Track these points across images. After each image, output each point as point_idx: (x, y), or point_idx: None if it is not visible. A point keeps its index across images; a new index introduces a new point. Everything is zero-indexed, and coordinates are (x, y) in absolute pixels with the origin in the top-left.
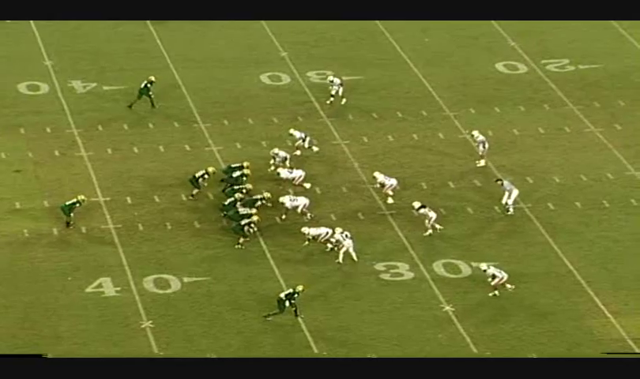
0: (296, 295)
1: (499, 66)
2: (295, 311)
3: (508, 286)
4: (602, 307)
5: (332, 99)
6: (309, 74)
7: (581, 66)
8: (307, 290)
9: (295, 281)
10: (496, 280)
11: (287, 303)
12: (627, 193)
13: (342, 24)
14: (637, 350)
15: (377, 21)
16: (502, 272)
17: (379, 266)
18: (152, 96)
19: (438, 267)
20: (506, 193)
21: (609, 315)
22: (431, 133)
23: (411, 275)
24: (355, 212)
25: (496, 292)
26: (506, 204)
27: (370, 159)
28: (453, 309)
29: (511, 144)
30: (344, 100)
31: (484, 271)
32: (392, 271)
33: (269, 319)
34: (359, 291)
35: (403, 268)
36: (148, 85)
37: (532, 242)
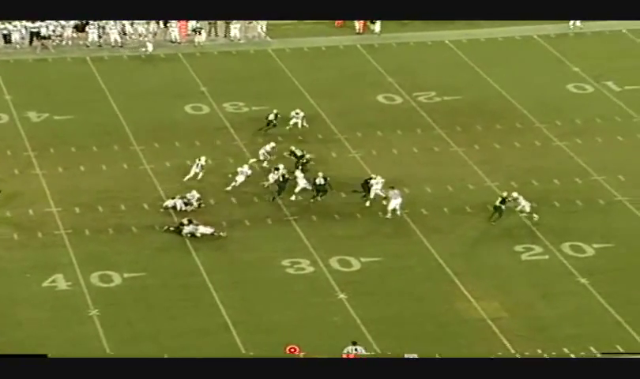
0: None
1: (380, 98)
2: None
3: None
4: (466, 293)
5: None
6: (225, 105)
7: (445, 97)
8: (226, 280)
9: (219, 272)
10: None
11: None
12: (485, 200)
13: (250, 64)
14: (496, 329)
15: (278, 61)
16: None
17: (285, 262)
18: None
19: (334, 262)
20: (392, 201)
21: (472, 299)
22: (326, 152)
23: (311, 269)
24: (265, 217)
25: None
26: (394, 210)
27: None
28: (346, 297)
29: (392, 162)
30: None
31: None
32: (296, 266)
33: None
34: (269, 283)
35: (305, 263)
36: None
37: (410, 241)
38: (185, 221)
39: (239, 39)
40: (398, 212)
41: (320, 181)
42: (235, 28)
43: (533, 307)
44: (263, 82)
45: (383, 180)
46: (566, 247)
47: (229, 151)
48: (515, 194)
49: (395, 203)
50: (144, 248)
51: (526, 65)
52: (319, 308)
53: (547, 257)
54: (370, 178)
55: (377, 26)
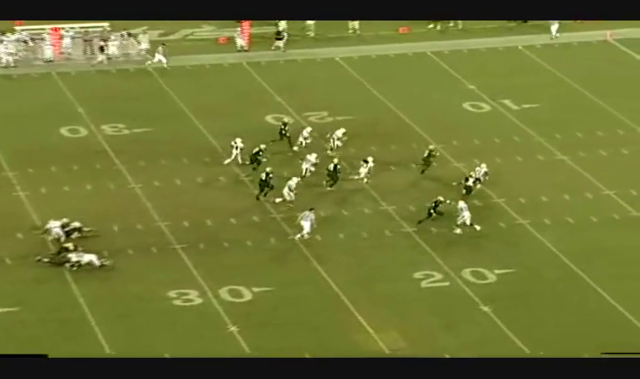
0: None
1: (269, 118)
2: None
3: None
4: (364, 323)
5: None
6: (103, 127)
7: (338, 117)
8: (108, 313)
9: (102, 304)
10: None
11: None
12: (382, 225)
13: (131, 82)
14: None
15: (159, 79)
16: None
17: (172, 293)
18: None
19: (224, 293)
20: (304, 223)
21: (370, 329)
22: (214, 176)
23: (200, 300)
24: (149, 245)
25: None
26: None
27: (161, 200)
28: (237, 329)
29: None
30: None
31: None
32: (183, 297)
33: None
34: (155, 316)
35: (193, 294)
36: None
37: (304, 268)
38: (70, 246)
39: (118, 57)
40: (305, 236)
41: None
42: (114, 44)
43: (434, 336)
44: (144, 102)
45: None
46: (467, 273)
47: (110, 175)
48: (462, 204)
49: (307, 225)
50: (18, 280)
51: (420, 83)
52: (209, 342)
53: (447, 283)
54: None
55: (281, 42)
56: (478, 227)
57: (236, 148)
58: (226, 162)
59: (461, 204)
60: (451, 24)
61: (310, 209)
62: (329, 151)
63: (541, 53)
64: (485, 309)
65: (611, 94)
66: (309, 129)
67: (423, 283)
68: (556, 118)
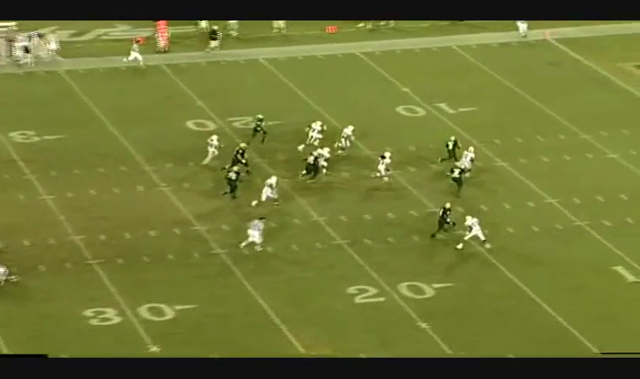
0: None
1: (190, 124)
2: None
3: (487, 245)
4: (294, 341)
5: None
6: (12, 134)
7: (263, 123)
8: (19, 335)
9: (11, 325)
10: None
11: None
12: (312, 237)
13: (41, 86)
14: None
15: (72, 83)
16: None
17: (88, 312)
18: None
19: (144, 311)
20: (251, 232)
21: (301, 348)
22: (132, 185)
23: (118, 319)
24: (62, 261)
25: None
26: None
27: (75, 212)
28: (159, 349)
29: (206, 197)
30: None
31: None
32: (100, 316)
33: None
34: (70, 337)
35: (111, 312)
36: None
37: (230, 283)
38: None
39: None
40: (257, 247)
41: (233, 175)
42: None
43: (369, 355)
44: (55, 107)
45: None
46: (403, 288)
47: (19, 186)
48: (474, 220)
49: (256, 235)
50: None
51: (350, 86)
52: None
53: (383, 299)
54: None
55: (217, 42)
56: (489, 245)
57: (212, 146)
58: (204, 162)
59: (470, 220)
60: (382, 23)
61: (261, 218)
62: (339, 152)
63: (477, 53)
64: (423, 325)
65: (552, 96)
66: (319, 123)
67: (357, 299)
68: (495, 123)
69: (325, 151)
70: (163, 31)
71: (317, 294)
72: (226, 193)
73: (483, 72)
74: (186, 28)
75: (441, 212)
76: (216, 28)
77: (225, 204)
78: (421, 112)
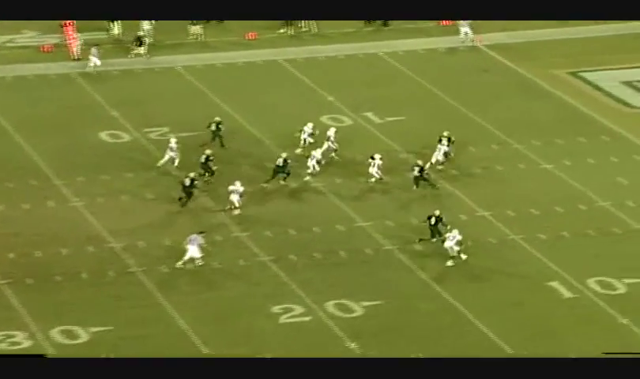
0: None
1: (104, 135)
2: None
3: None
4: None
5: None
6: None
7: (182, 134)
8: None
9: None
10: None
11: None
12: (235, 254)
13: None
14: None
15: None
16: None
17: None
18: None
19: (56, 334)
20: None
21: None
22: (42, 200)
23: (29, 343)
24: None
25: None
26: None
27: None
28: None
29: (122, 212)
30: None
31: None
32: (8, 340)
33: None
34: None
35: (20, 336)
36: None
37: (148, 304)
38: None
39: None
40: (198, 262)
41: (187, 181)
42: None
43: None
44: None
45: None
46: (330, 306)
47: None
48: (455, 234)
49: (194, 250)
50: None
51: (272, 94)
52: None
53: (309, 318)
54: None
55: (142, 49)
56: (464, 256)
57: (171, 149)
58: (159, 163)
59: (454, 233)
60: (304, 29)
61: (200, 232)
62: (332, 154)
63: (404, 60)
64: (352, 345)
65: (482, 104)
66: (310, 124)
67: (282, 318)
68: (424, 132)
69: (318, 153)
70: (72, 39)
71: (240, 313)
72: (181, 198)
73: (411, 79)
74: (97, 35)
75: (434, 221)
76: (141, 33)
77: (142, 220)
78: (347, 121)
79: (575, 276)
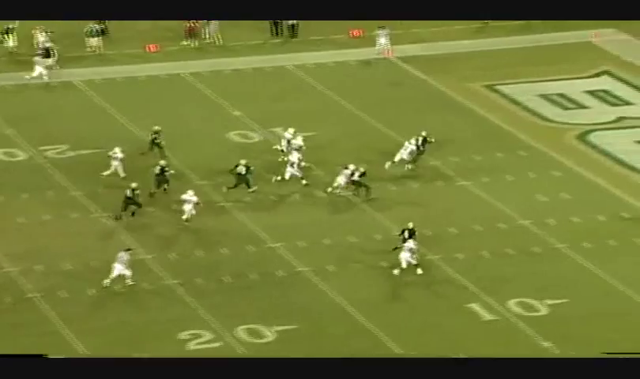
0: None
1: None
2: None
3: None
4: None
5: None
6: None
7: (82, 151)
8: None
9: None
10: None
11: None
12: (140, 278)
13: None
14: None
15: None
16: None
17: None
18: None
19: None
20: (116, 266)
21: None
22: None
23: None
24: None
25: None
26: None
27: None
28: None
29: (18, 232)
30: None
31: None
32: None
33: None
34: None
35: None
36: None
37: (48, 331)
38: None
39: None
40: (128, 281)
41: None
42: None
43: None
44: None
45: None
46: (240, 332)
47: None
48: (412, 244)
49: (119, 268)
50: None
51: (176, 110)
52: None
53: (218, 344)
54: None
55: (51, 60)
56: (420, 271)
57: (115, 159)
58: (105, 173)
59: (411, 244)
60: (208, 41)
61: (127, 249)
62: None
63: (314, 73)
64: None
65: (396, 118)
66: (291, 130)
67: (190, 345)
68: (336, 148)
69: (294, 157)
70: None
71: (145, 340)
72: (132, 213)
73: (322, 93)
74: None
75: (407, 234)
76: (49, 44)
77: (39, 242)
78: (256, 138)
79: (495, 298)
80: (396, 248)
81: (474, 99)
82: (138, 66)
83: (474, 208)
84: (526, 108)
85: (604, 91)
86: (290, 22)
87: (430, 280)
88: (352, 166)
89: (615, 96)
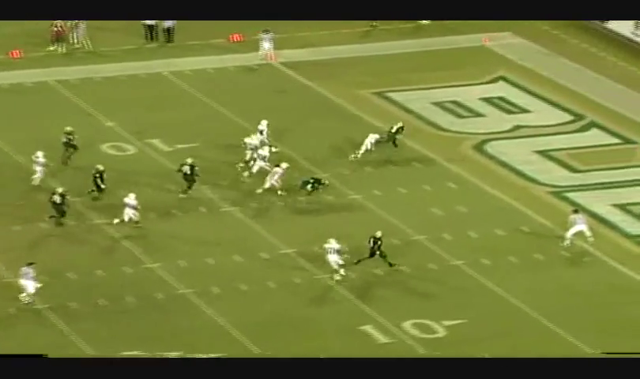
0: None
1: None
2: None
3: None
4: None
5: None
6: None
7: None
8: None
9: None
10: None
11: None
12: (6, 304)
13: None
14: None
15: None
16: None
17: None
18: None
19: None
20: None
21: None
22: None
23: None
24: None
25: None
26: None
27: None
28: None
29: None
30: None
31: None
32: None
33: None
34: None
35: None
36: None
37: None
38: None
39: None
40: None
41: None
42: None
43: None
44: None
45: None
46: None
47: None
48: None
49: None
50: None
51: (43, 120)
52: None
53: None
54: None
55: None
56: (342, 273)
57: (39, 164)
58: (34, 182)
59: (332, 244)
60: (77, 46)
61: (29, 264)
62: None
63: (193, 80)
64: None
65: (284, 128)
66: (264, 121)
67: None
68: (221, 160)
69: (266, 150)
70: None
71: None
72: (52, 216)
73: (202, 102)
74: None
75: (372, 243)
76: None
77: None
78: (131, 150)
79: (390, 319)
80: (359, 261)
81: (364, 107)
82: (0, 74)
83: (366, 222)
84: (419, 117)
85: (500, 97)
86: (166, 25)
87: (321, 300)
88: (284, 165)
89: (511, 103)
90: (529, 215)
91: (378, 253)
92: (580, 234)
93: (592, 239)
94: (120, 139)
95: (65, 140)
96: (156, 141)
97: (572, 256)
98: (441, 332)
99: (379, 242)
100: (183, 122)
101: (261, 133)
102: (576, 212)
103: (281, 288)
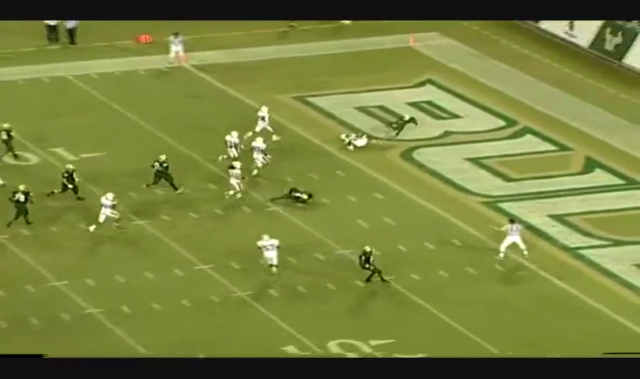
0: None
1: None
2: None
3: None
4: None
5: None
6: None
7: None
8: None
9: None
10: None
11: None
12: None
13: None
14: None
15: None
16: None
17: None
18: None
19: None
20: None
21: None
22: None
23: None
24: None
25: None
26: None
27: None
28: None
29: None
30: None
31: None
32: None
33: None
34: None
35: None
36: None
37: None
38: None
39: None
40: None
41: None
42: None
43: None
44: None
45: None
46: None
47: None
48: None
49: None
50: None
51: None
52: None
53: None
54: None
55: None
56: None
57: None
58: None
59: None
60: None
61: None
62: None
63: (99, 84)
64: None
65: (197, 137)
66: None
67: None
68: (129, 171)
69: (260, 142)
70: None
71: None
72: (16, 218)
73: (109, 108)
74: None
75: (363, 258)
76: None
77: None
78: (33, 159)
79: (314, 339)
80: (369, 279)
81: (282, 112)
82: None
83: (287, 236)
84: (343, 122)
85: (428, 102)
86: (68, 25)
87: (238, 320)
88: (237, 165)
89: (440, 108)
90: (461, 227)
91: (373, 268)
92: (514, 246)
93: (526, 252)
94: (20, 147)
95: (5, 138)
96: (59, 150)
97: (506, 270)
98: (368, 352)
99: (371, 258)
100: (88, 129)
101: (262, 119)
102: (512, 221)
103: (196, 307)
